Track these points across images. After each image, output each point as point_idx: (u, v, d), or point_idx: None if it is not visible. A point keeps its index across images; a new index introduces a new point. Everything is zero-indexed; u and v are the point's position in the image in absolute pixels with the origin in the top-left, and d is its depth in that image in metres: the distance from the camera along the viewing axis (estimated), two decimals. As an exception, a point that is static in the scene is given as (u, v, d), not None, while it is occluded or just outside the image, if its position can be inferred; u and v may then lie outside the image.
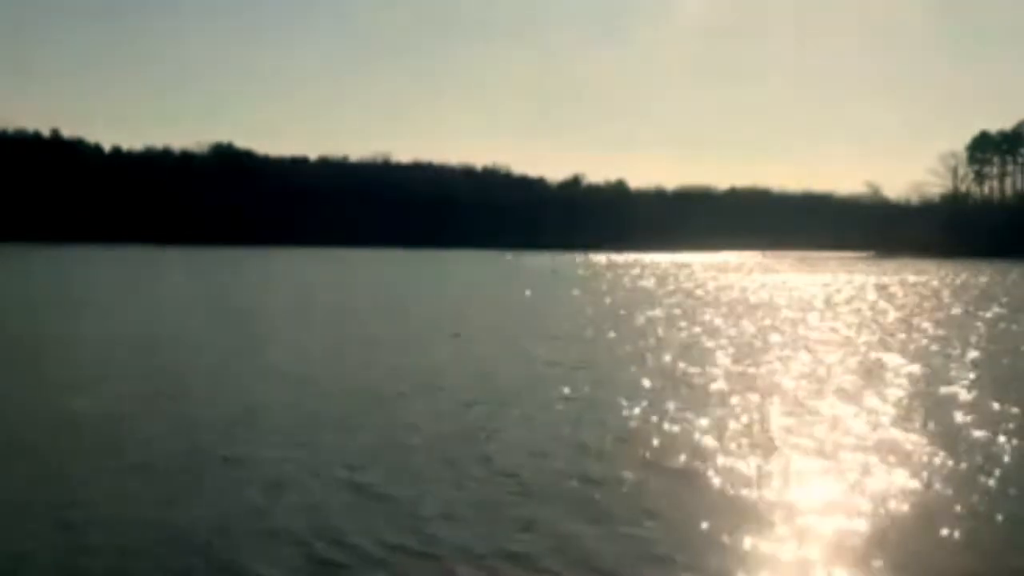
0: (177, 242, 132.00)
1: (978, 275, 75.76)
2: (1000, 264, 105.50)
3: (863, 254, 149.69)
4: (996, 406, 15.39)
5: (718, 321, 31.75)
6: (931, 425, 13.89)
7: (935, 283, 62.52)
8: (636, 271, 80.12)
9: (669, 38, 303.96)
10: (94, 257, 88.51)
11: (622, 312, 35.09)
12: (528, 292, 46.63)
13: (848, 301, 43.29)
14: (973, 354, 22.85)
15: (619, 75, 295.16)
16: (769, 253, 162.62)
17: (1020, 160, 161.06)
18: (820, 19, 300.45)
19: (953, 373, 19.26)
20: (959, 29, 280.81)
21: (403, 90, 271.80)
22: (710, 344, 24.36)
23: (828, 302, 42.47)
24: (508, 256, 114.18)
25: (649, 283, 58.38)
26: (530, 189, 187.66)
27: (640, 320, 32.19)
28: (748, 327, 29.53)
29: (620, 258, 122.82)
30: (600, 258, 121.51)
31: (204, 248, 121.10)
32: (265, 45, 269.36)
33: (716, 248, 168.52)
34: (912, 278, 69.09)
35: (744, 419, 14.00)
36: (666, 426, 13.47)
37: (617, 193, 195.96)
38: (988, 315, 35.21)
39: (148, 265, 77.51)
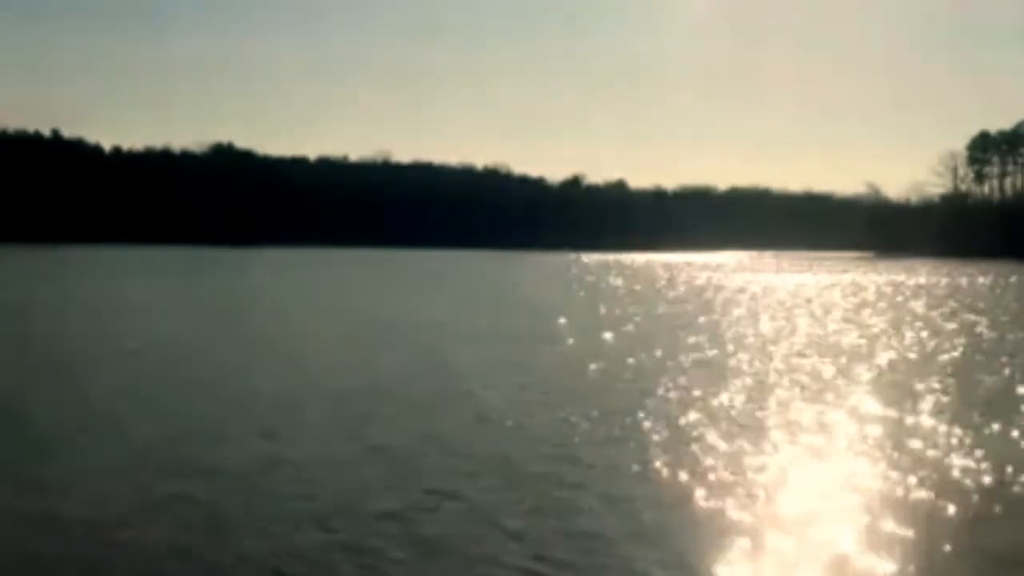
0: (177, 242, 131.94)
1: (971, 276, 75.77)
2: (1000, 264, 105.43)
3: (863, 254, 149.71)
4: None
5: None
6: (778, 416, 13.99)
7: (914, 283, 62.59)
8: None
9: (670, 38, 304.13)
10: (107, 258, 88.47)
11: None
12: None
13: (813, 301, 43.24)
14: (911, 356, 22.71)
15: (619, 75, 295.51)
16: (768, 253, 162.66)
17: (1020, 160, 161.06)
18: (821, 19, 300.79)
19: (876, 378, 18.82)
20: (960, 29, 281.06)
21: (403, 90, 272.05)
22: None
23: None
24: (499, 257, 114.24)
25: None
26: (530, 189, 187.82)
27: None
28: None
29: (627, 258, 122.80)
30: (607, 258, 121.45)
31: (205, 248, 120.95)
32: (265, 45, 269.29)
33: (716, 248, 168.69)
34: (898, 278, 69.18)
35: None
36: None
37: (617, 193, 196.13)
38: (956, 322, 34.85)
39: (198, 267, 77.39)
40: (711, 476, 10.74)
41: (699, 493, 10.01)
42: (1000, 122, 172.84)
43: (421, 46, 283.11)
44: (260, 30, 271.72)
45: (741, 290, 53.19)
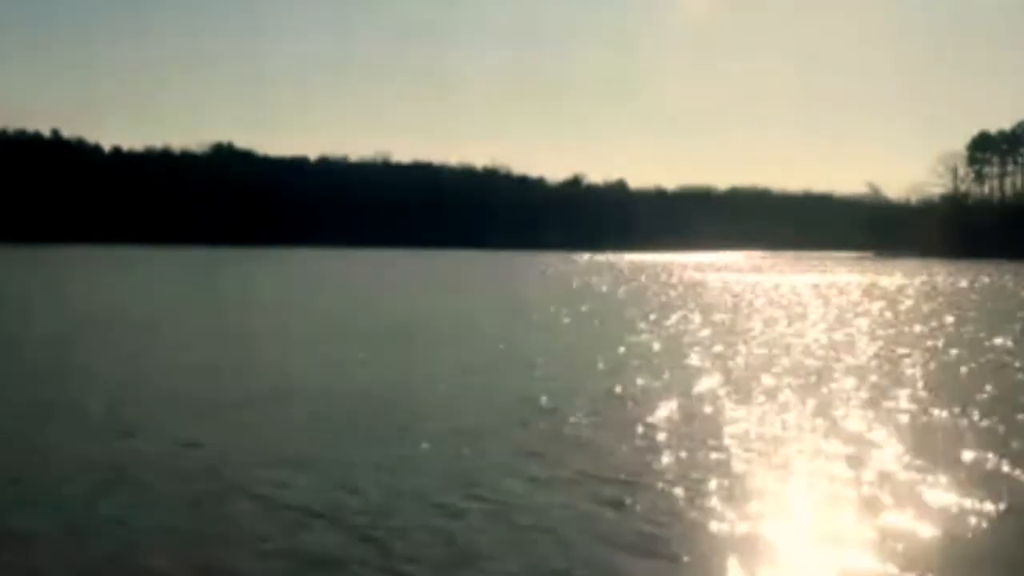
0: (177, 242, 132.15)
1: (965, 275, 75.70)
2: (1000, 264, 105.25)
3: (863, 254, 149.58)
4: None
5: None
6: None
7: (898, 283, 62.58)
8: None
9: (668, 37, 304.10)
10: (112, 258, 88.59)
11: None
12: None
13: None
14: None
15: (619, 75, 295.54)
16: (768, 253, 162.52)
17: (1020, 160, 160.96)
18: (820, 19, 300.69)
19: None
20: (960, 29, 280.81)
21: (403, 90, 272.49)
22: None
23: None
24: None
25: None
26: (530, 189, 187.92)
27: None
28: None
29: (625, 258, 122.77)
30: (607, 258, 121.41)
31: (204, 248, 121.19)
32: (265, 45, 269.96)
33: (716, 248, 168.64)
34: (886, 279, 69.26)
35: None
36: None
37: (617, 193, 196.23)
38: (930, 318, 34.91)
39: (215, 266, 77.79)
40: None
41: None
42: (1000, 122, 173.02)
43: (421, 46, 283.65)
44: (260, 30, 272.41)
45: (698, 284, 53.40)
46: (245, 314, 34.06)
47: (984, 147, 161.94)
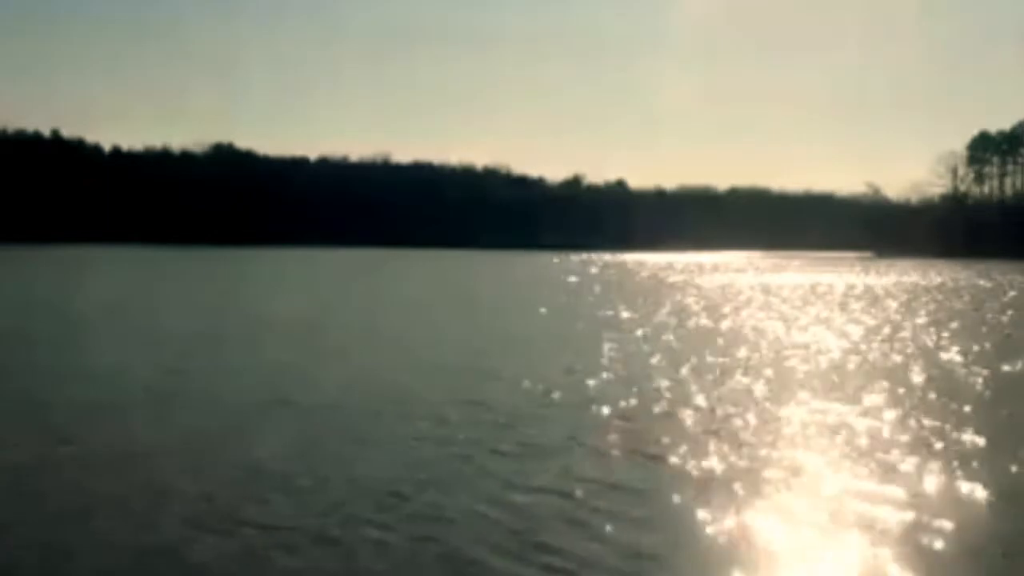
0: (177, 242, 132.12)
1: (962, 276, 75.83)
2: (1000, 264, 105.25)
3: (863, 254, 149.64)
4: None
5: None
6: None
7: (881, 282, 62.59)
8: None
9: (668, 37, 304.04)
10: (111, 258, 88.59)
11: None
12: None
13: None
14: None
15: (619, 74, 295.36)
16: (768, 253, 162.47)
17: (1020, 160, 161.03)
18: (820, 20, 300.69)
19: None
20: (959, 29, 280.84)
21: (403, 90, 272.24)
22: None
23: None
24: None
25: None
26: (530, 189, 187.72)
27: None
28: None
29: (622, 258, 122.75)
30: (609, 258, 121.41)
31: (203, 249, 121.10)
32: (266, 45, 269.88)
33: (716, 248, 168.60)
34: (877, 279, 69.40)
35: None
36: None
37: (617, 193, 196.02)
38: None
39: (221, 266, 78.17)
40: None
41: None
42: (1000, 122, 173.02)
43: (421, 46, 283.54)
44: (260, 30, 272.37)
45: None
46: (244, 313, 34.07)
47: (984, 147, 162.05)
